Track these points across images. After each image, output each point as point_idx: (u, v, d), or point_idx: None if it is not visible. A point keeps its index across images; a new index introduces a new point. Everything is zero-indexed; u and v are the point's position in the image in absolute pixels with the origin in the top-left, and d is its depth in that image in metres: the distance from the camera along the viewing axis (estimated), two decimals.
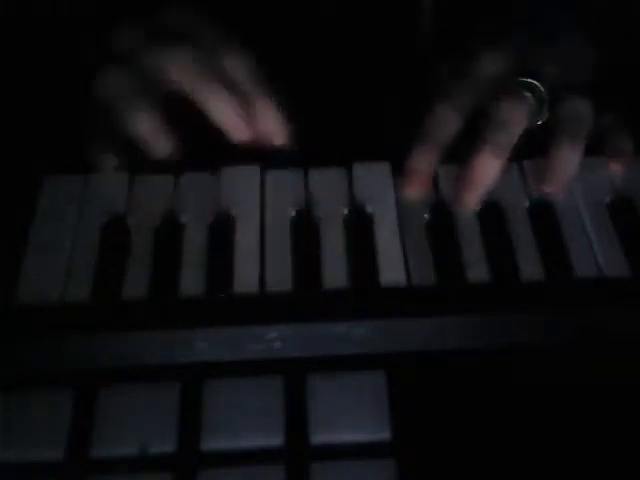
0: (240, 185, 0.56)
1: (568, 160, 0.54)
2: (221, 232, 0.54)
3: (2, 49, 0.62)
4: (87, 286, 0.51)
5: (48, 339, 0.47)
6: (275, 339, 0.47)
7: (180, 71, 0.54)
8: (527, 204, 0.55)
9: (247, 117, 0.54)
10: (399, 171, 0.55)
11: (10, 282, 0.50)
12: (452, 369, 0.47)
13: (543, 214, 0.54)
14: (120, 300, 0.50)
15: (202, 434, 0.44)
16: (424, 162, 0.55)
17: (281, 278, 0.51)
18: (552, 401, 0.45)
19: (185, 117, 0.55)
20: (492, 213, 0.54)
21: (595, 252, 0.52)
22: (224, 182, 0.56)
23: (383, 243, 0.53)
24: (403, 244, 0.53)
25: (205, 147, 0.55)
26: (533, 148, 0.55)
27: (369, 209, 0.55)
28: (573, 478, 0.43)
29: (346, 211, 0.55)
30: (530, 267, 0.51)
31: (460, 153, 0.54)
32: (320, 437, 0.44)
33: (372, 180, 0.56)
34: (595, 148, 0.56)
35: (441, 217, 0.54)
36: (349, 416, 0.44)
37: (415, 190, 0.55)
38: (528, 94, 0.55)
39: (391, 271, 0.51)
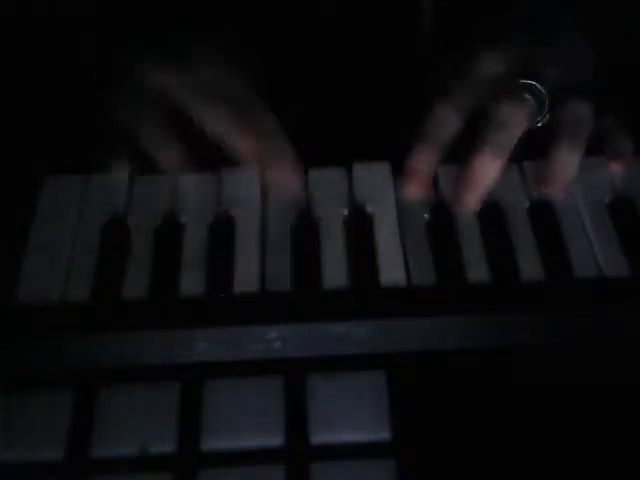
0: (240, 185, 0.56)
1: (568, 162, 0.54)
2: (221, 232, 0.54)
3: (2, 49, 0.62)
4: (87, 286, 0.51)
5: (48, 339, 0.47)
6: (275, 339, 0.47)
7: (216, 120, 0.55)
8: (527, 204, 0.55)
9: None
10: (399, 171, 0.55)
11: (10, 282, 0.50)
12: (452, 369, 0.47)
13: (543, 214, 0.54)
14: (120, 300, 0.50)
15: (202, 434, 0.44)
16: (424, 162, 0.55)
17: (281, 278, 0.51)
18: (552, 401, 0.45)
19: (185, 117, 0.55)
20: (492, 213, 0.54)
21: (595, 252, 0.52)
22: (224, 182, 0.56)
23: (383, 243, 0.53)
24: (403, 244, 0.52)
25: (205, 147, 0.55)
26: (533, 149, 0.55)
27: (369, 209, 0.55)
28: (573, 478, 0.43)
29: (346, 211, 0.55)
30: (530, 267, 0.51)
31: (460, 153, 0.54)
32: (320, 437, 0.44)
33: (372, 180, 0.56)
34: (595, 148, 0.56)
35: (441, 217, 0.54)
36: (349, 416, 0.44)
37: (415, 190, 0.55)
38: (528, 96, 0.55)
39: (391, 271, 0.51)
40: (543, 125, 0.56)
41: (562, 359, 0.47)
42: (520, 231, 0.53)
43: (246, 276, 0.51)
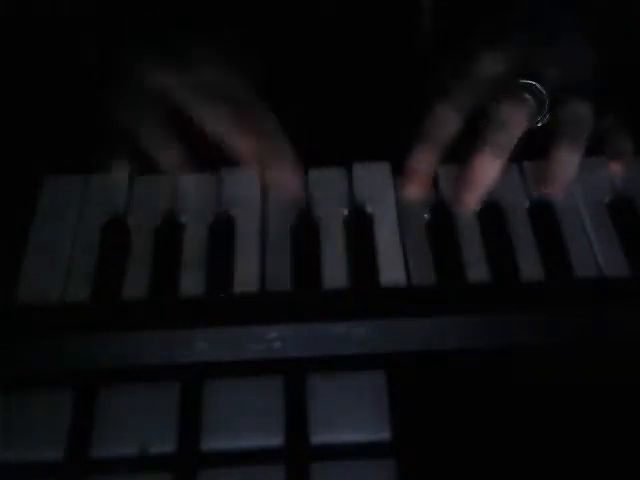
0: (240, 185, 0.56)
1: (568, 162, 0.54)
2: (221, 232, 0.54)
3: (2, 49, 0.62)
4: (87, 286, 0.50)
5: (48, 339, 0.47)
6: (275, 339, 0.47)
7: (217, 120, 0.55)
8: (527, 204, 0.55)
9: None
10: (399, 171, 0.55)
11: (10, 282, 0.50)
12: (452, 369, 0.47)
13: (543, 214, 0.54)
14: (120, 300, 0.50)
15: (202, 434, 0.44)
16: (424, 162, 0.55)
17: (281, 278, 0.51)
18: (552, 401, 0.45)
19: (185, 117, 0.55)
20: (492, 213, 0.54)
21: (595, 252, 0.52)
22: (224, 182, 0.56)
23: (383, 243, 0.53)
24: (403, 244, 0.52)
25: (205, 147, 0.55)
26: (533, 149, 0.55)
27: (369, 209, 0.55)
28: (573, 478, 0.43)
29: (346, 211, 0.55)
30: (530, 267, 0.51)
31: (460, 153, 0.54)
32: (320, 437, 0.44)
33: (372, 180, 0.56)
34: (595, 148, 0.56)
35: (441, 217, 0.54)
36: (349, 416, 0.44)
37: (415, 190, 0.55)
38: (528, 96, 0.55)
39: (391, 271, 0.51)
40: (543, 125, 0.56)
41: (562, 359, 0.47)
42: (520, 231, 0.53)
43: (246, 276, 0.51)
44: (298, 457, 0.43)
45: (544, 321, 0.48)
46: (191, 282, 0.51)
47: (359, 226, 0.54)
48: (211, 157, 0.55)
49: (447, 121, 0.55)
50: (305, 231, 0.54)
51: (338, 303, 0.49)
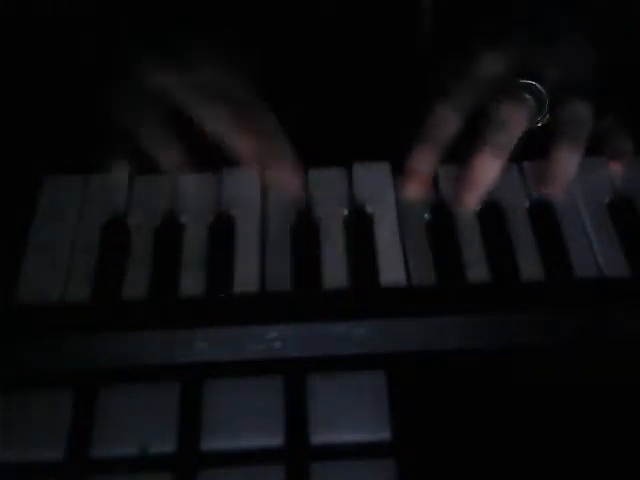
0: (240, 185, 0.56)
1: (568, 162, 0.54)
2: (221, 232, 0.54)
3: (2, 49, 0.62)
4: (87, 286, 0.51)
5: (48, 339, 0.47)
6: (275, 339, 0.47)
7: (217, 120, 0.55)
8: (527, 204, 0.55)
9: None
10: (399, 171, 0.55)
11: (10, 282, 0.50)
12: (452, 369, 0.47)
13: (543, 214, 0.54)
14: (120, 300, 0.50)
15: (202, 434, 0.44)
16: (424, 162, 0.55)
17: (281, 278, 0.51)
18: (552, 401, 0.45)
19: (185, 117, 0.55)
20: (492, 213, 0.54)
21: (595, 252, 0.52)
22: (224, 182, 0.56)
23: (383, 243, 0.53)
24: (403, 244, 0.52)
25: (205, 147, 0.55)
26: (533, 149, 0.55)
27: (369, 209, 0.55)
28: (573, 478, 0.43)
29: (346, 211, 0.55)
30: (530, 267, 0.51)
31: (460, 153, 0.54)
32: (320, 437, 0.44)
33: (372, 180, 0.56)
34: (595, 148, 0.56)
35: (441, 217, 0.54)
36: (349, 416, 0.44)
37: (415, 190, 0.55)
38: (528, 96, 0.55)
39: (391, 271, 0.51)
40: (543, 125, 0.56)
41: (562, 359, 0.47)
42: (520, 231, 0.53)
43: (246, 276, 0.51)
44: (298, 457, 0.43)
45: (544, 321, 0.48)
46: (191, 282, 0.51)
47: (359, 226, 0.54)
48: (211, 157, 0.55)
49: (447, 121, 0.55)
50: (305, 231, 0.54)
51: (338, 303, 0.49)
